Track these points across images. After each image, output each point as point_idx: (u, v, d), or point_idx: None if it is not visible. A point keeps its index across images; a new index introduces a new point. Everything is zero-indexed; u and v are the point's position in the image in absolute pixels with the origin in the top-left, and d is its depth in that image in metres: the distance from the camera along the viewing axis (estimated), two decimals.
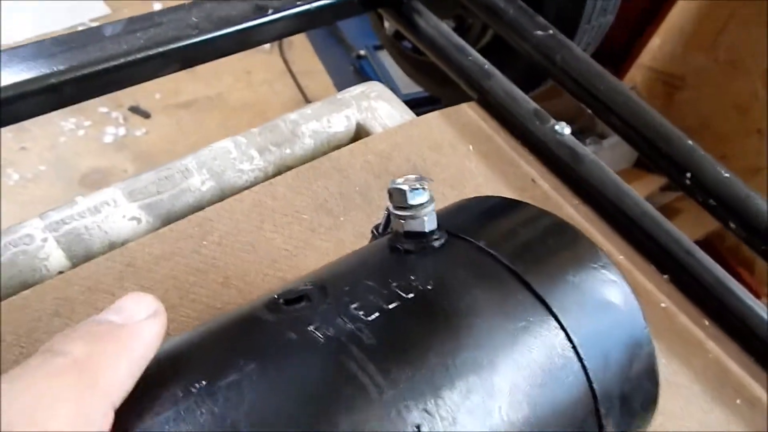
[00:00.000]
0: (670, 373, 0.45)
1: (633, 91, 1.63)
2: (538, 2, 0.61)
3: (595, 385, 0.25)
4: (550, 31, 0.53)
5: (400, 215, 0.27)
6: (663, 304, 0.48)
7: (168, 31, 0.46)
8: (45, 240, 0.40)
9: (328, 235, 0.46)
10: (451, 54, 0.60)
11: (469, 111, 0.59)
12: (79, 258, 0.42)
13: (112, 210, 0.43)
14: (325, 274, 0.27)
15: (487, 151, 0.56)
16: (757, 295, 1.43)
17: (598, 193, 0.51)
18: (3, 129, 0.37)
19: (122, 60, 0.44)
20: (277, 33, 0.53)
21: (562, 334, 0.25)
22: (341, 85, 1.67)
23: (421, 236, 0.27)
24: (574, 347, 0.25)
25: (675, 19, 1.57)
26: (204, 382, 0.21)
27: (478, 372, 0.23)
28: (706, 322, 0.48)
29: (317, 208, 0.47)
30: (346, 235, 0.47)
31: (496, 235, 0.29)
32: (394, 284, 0.25)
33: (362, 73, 1.77)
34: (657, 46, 1.63)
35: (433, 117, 0.57)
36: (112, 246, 0.42)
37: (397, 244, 0.28)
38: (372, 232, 0.34)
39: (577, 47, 0.52)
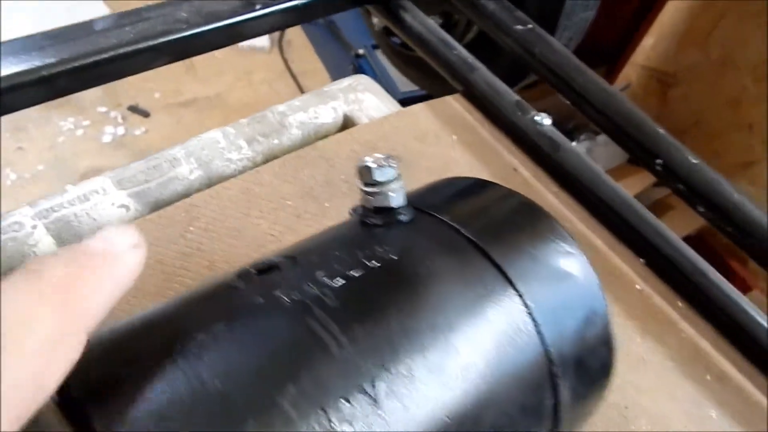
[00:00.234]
0: (644, 351, 0.46)
1: (627, 89, 1.64)
2: None
3: (550, 348, 0.26)
4: (530, 26, 0.55)
5: (368, 191, 0.29)
6: (638, 287, 0.50)
7: (157, 26, 0.48)
8: (34, 227, 0.42)
9: (313, 220, 0.48)
10: (436, 48, 0.61)
11: (453, 103, 0.60)
12: (69, 244, 0.43)
13: (101, 198, 0.44)
14: (298, 247, 0.29)
15: (470, 141, 0.57)
16: (750, 288, 1.44)
17: (576, 181, 0.52)
18: (1, 130, 0.39)
19: (112, 53, 0.45)
20: (266, 28, 0.55)
21: (518, 300, 0.26)
22: None
23: (389, 211, 0.29)
24: (530, 312, 0.26)
25: (668, 17, 1.58)
26: (176, 343, 0.22)
27: (436, 333, 0.24)
28: (680, 303, 0.49)
29: (303, 195, 0.49)
30: (331, 221, 0.48)
31: (461, 210, 0.30)
32: (360, 254, 0.26)
33: (361, 72, 1.79)
34: (650, 45, 1.65)
35: (419, 108, 0.59)
36: None
37: (366, 219, 0.29)
38: (350, 213, 0.36)
39: (555, 41, 0.53)
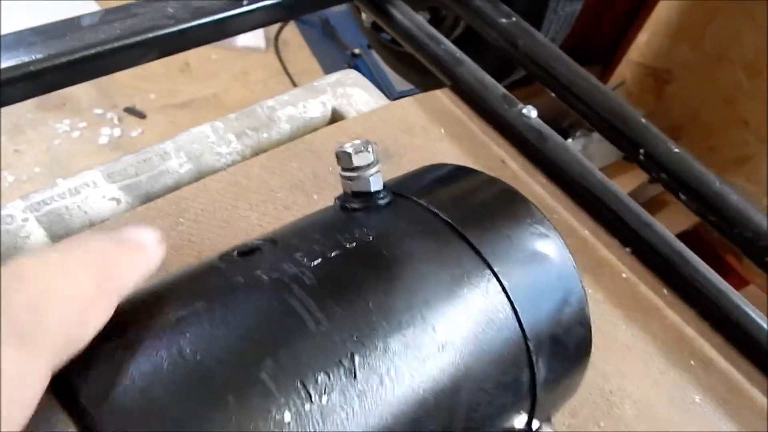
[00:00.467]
0: (629, 337, 0.47)
1: (622, 87, 1.65)
2: None
3: (525, 326, 0.27)
4: (513, 19, 0.56)
5: (347, 176, 0.29)
6: (624, 275, 0.50)
7: (145, 21, 0.49)
8: (26, 220, 0.43)
9: (301, 212, 0.48)
10: (423, 43, 0.62)
11: (441, 96, 0.61)
12: (60, 237, 0.44)
13: (92, 191, 0.45)
14: (279, 231, 0.29)
15: (458, 134, 0.58)
16: (747, 283, 1.44)
17: (562, 172, 0.53)
18: None
19: (100, 48, 0.46)
20: (253, 23, 0.55)
21: (494, 279, 0.27)
22: None
23: (368, 195, 0.29)
24: (505, 291, 0.27)
25: (662, 14, 1.59)
26: (159, 320, 0.23)
27: (412, 310, 0.25)
28: (665, 291, 0.50)
29: (292, 187, 0.50)
30: None
31: (439, 195, 0.31)
32: (339, 236, 0.27)
33: (357, 71, 1.80)
34: (644, 42, 1.65)
35: (407, 102, 0.60)
36: (92, 225, 0.45)
37: (346, 204, 0.30)
38: (334, 201, 0.37)
39: (538, 33, 0.54)
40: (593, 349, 0.46)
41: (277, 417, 0.21)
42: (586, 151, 1.55)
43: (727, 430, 0.44)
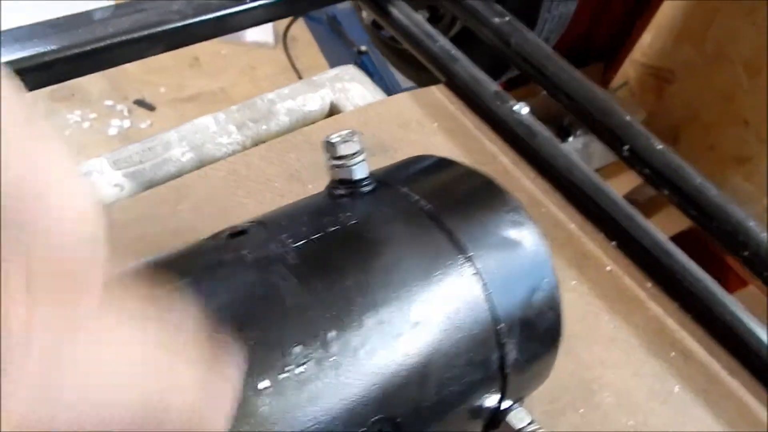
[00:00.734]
0: (611, 329, 0.49)
1: (624, 87, 1.65)
2: None
3: (497, 308, 0.29)
4: (506, 18, 0.57)
5: (334, 165, 0.31)
6: (609, 268, 0.52)
7: (152, 17, 0.51)
8: None
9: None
10: (420, 40, 0.64)
11: (436, 92, 0.63)
12: None
13: (97, 177, 0.47)
14: (269, 215, 0.31)
15: (452, 129, 0.60)
16: (746, 284, 1.44)
17: (550, 167, 0.54)
18: None
19: (109, 41, 0.48)
20: (255, 20, 0.57)
21: (467, 262, 0.29)
22: None
23: (353, 183, 0.31)
24: (477, 273, 0.29)
25: (665, 14, 1.60)
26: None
27: (387, 288, 0.27)
28: (648, 284, 0.51)
29: (289, 177, 0.51)
30: None
31: (421, 184, 0.33)
32: (324, 220, 0.29)
33: (364, 68, 1.81)
34: (647, 43, 1.66)
35: (403, 97, 0.61)
36: None
37: (333, 191, 0.32)
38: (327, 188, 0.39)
39: (530, 32, 0.56)
40: (575, 340, 0.48)
41: (256, 384, 0.23)
42: (587, 149, 1.56)
43: (705, 419, 0.45)
